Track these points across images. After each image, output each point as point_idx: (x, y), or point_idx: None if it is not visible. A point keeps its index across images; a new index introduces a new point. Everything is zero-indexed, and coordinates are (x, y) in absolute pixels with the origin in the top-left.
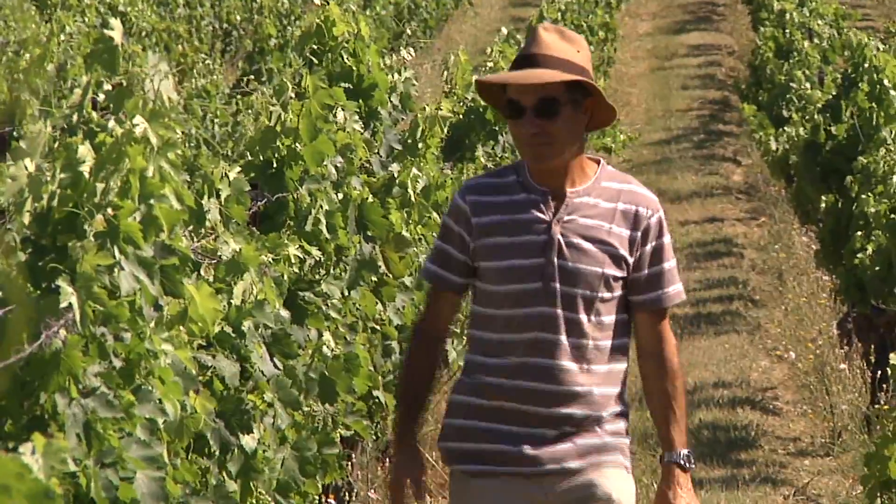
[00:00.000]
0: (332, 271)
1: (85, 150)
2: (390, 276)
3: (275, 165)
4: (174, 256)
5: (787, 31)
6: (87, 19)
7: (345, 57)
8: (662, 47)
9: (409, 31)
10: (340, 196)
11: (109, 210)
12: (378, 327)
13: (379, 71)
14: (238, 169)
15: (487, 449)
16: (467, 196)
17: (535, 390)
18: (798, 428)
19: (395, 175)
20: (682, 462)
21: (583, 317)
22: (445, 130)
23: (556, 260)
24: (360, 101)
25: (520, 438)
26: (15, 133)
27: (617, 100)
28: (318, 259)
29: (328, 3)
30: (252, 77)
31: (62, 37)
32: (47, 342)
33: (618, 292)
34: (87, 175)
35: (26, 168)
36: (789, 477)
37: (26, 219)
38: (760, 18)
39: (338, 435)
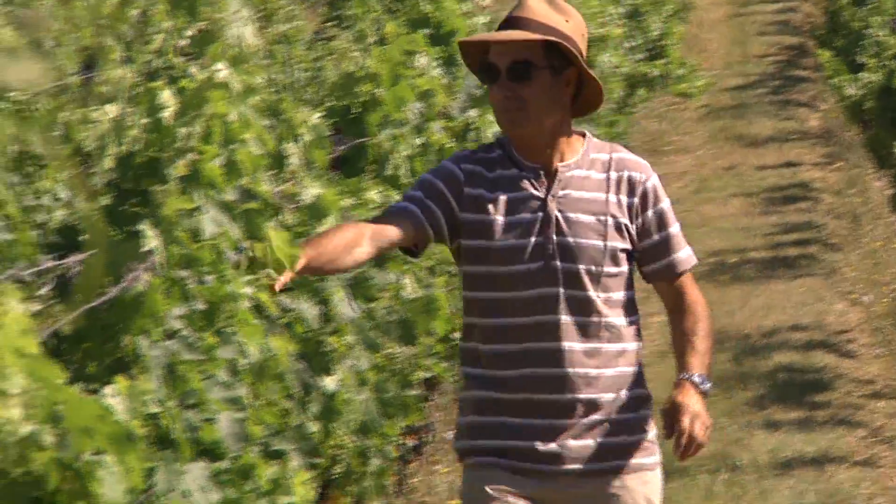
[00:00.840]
0: None
1: (167, 96)
2: None
3: (356, 111)
4: (255, 200)
5: None
6: None
7: (424, 3)
8: None
9: None
10: (420, 141)
11: (191, 155)
12: (456, 270)
13: (458, 17)
14: (319, 114)
15: (500, 445)
16: (462, 164)
17: (543, 377)
18: (873, 370)
19: (474, 121)
20: (695, 380)
21: (590, 294)
22: None
23: (554, 237)
24: (440, 47)
25: (533, 432)
26: (99, 78)
27: (695, 45)
28: None
29: None
30: (334, 23)
31: None
32: (130, 285)
33: (624, 266)
34: (169, 120)
35: (109, 113)
36: (864, 419)
37: (109, 163)
38: None
39: (417, 377)
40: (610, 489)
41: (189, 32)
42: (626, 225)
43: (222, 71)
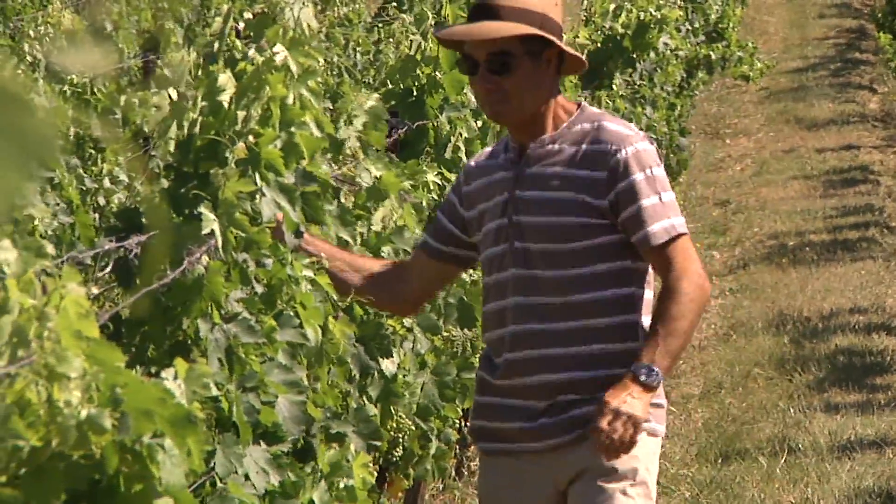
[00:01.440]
0: None
1: (226, 79)
2: None
3: (415, 93)
4: (315, 183)
5: None
6: None
7: None
8: None
9: None
10: (479, 123)
11: (251, 137)
12: None
13: None
14: (376, 96)
15: (491, 426)
16: (469, 164)
17: (524, 359)
18: None
19: None
20: (639, 374)
21: (549, 273)
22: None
23: (514, 217)
24: None
25: (516, 413)
26: (159, 61)
27: (754, 28)
28: None
29: None
30: (393, 5)
31: None
32: (190, 268)
33: (595, 239)
34: (228, 103)
35: (169, 96)
36: None
37: (169, 146)
38: None
39: (476, 359)
40: (583, 453)
41: (248, 15)
42: (589, 200)
43: (280, 53)
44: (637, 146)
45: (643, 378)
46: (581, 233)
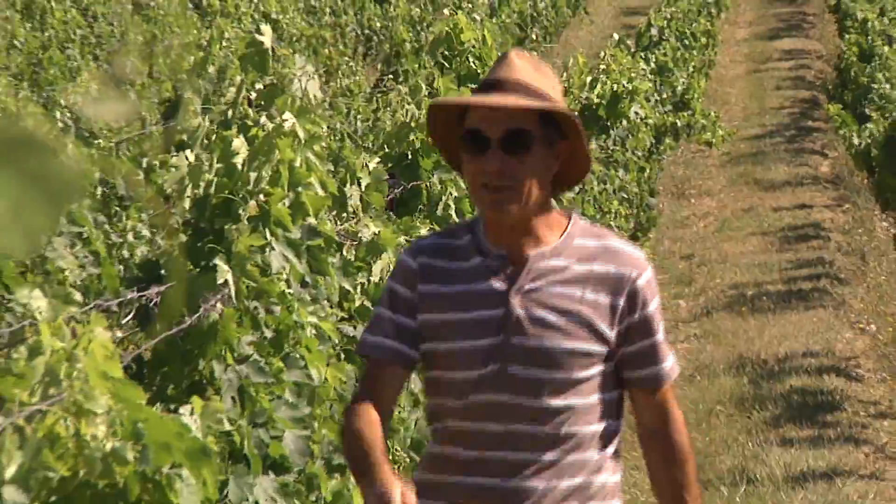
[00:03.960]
0: None
1: (239, 143)
2: None
3: (410, 157)
4: (319, 238)
5: (870, 37)
6: (243, 25)
7: (472, 60)
8: (758, 52)
9: (532, 37)
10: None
11: (261, 196)
12: None
13: None
14: (377, 160)
15: None
16: (418, 257)
17: (495, 488)
18: (878, 393)
19: None
20: None
21: (552, 402)
22: None
23: (514, 339)
24: None
25: None
26: (178, 127)
27: (717, 98)
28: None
29: (457, 13)
30: (390, 77)
31: (223, 42)
32: (205, 315)
33: (596, 369)
34: (241, 165)
35: (187, 158)
36: (870, 437)
37: (187, 204)
38: (846, 26)
39: None
40: None
41: (259, 86)
42: (602, 329)
43: (289, 121)
44: (649, 272)
45: None
46: (594, 361)
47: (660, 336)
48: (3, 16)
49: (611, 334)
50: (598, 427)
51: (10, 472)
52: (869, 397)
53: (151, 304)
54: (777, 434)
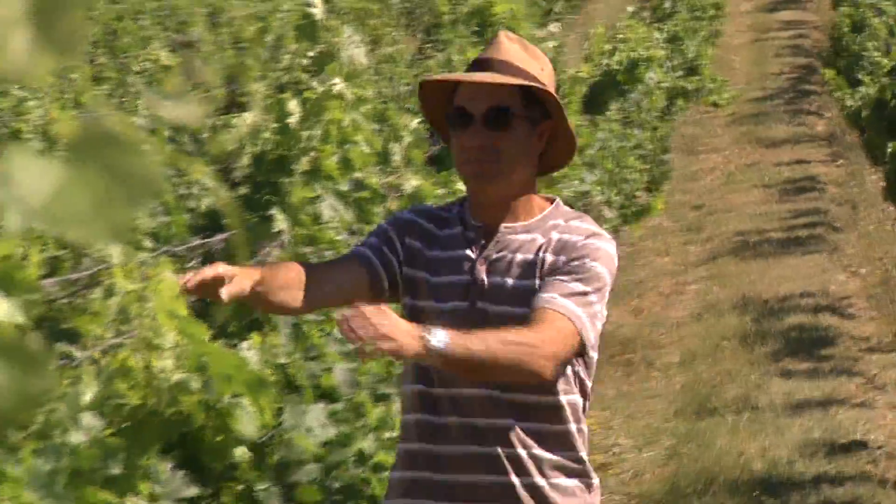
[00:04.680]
0: None
1: (293, 105)
2: None
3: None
4: (366, 190)
5: (861, 10)
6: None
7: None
8: (760, 23)
9: (556, 10)
10: None
11: (313, 153)
12: None
13: (531, 41)
14: (418, 120)
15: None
16: (413, 214)
17: (466, 453)
18: (868, 329)
19: None
20: (428, 331)
21: None
22: (585, 90)
23: (478, 303)
24: None
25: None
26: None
27: (723, 65)
28: None
29: None
30: (429, 46)
31: (279, 14)
32: (263, 259)
33: None
34: (294, 125)
35: (246, 120)
36: (861, 369)
37: (246, 160)
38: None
39: None
40: None
41: (311, 53)
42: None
43: (338, 85)
44: (600, 242)
45: (428, 333)
46: None
47: (573, 285)
48: None
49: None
50: (556, 398)
51: (86, 399)
52: (860, 333)
53: (215, 250)
54: (777, 367)
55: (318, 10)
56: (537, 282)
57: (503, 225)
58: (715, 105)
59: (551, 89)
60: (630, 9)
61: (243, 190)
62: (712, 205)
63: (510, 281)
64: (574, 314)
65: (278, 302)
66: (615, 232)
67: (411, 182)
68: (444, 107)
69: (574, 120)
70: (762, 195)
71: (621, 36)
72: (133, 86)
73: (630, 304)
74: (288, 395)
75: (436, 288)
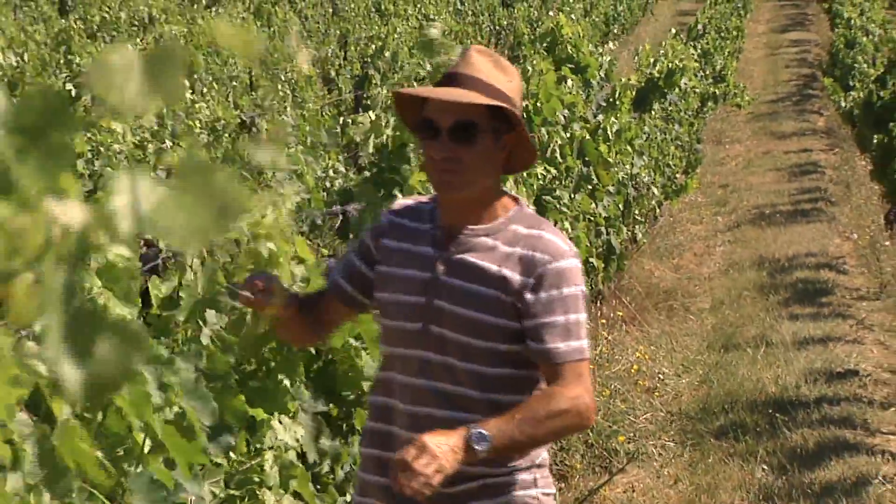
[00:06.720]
0: (563, 182)
1: None
2: (600, 185)
3: (525, 116)
4: None
5: (853, 30)
6: (410, 23)
7: (569, 48)
8: (773, 41)
9: (613, 31)
10: (568, 135)
11: None
12: (592, 218)
13: (591, 56)
14: None
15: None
16: (390, 215)
17: (411, 439)
18: (858, 282)
19: (601, 122)
20: (472, 436)
21: (460, 364)
22: (633, 93)
23: (435, 300)
24: (579, 75)
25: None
26: (365, 95)
27: (744, 74)
28: (554, 175)
29: (560, 14)
30: (513, 61)
31: (395, 34)
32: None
33: (502, 343)
34: None
35: (370, 116)
36: (853, 314)
37: (371, 149)
38: (836, 23)
39: None
40: None
41: (427, 67)
42: (512, 303)
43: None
44: (568, 262)
45: (473, 441)
46: (500, 334)
47: (560, 318)
48: (241, 17)
49: (515, 310)
50: (508, 399)
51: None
52: (852, 285)
53: (345, 219)
54: (787, 311)
55: (436, 31)
56: (496, 292)
57: (467, 227)
58: (738, 106)
59: (517, 100)
60: (672, 30)
61: (368, 173)
62: (735, 184)
63: (467, 283)
64: (580, 350)
65: (294, 339)
66: (658, 207)
67: None
68: (417, 115)
69: (625, 117)
70: (775, 177)
71: (663, 52)
72: (281, 91)
73: (671, 262)
74: None
75: (401, 281)
